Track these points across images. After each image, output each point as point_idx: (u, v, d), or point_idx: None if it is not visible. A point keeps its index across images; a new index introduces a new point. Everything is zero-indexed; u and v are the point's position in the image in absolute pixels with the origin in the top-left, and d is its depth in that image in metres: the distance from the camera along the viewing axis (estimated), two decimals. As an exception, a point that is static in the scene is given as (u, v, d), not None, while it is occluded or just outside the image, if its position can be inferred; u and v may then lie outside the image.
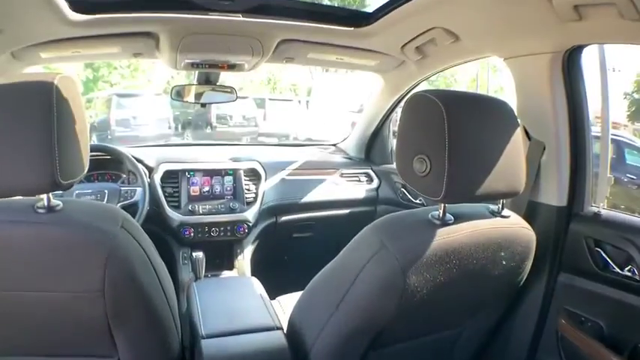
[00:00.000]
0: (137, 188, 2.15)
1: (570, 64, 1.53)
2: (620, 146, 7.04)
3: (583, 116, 1.56)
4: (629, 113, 14.37)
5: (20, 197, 0.98)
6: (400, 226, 1.16)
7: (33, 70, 2.07)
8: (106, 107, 11.86)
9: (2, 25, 1.56)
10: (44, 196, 0.96)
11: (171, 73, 15.02)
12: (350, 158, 2.88)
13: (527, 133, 1.59)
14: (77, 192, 2.02)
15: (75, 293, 0.97)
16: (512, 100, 1.65)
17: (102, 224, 0.98)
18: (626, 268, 1.39)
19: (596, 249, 1.46)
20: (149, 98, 12.57)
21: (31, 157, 0.89)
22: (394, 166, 1.26)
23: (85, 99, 13.63)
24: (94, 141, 11.10)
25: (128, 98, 12.26)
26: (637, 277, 1.36)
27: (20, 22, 1.58)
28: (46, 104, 0.89)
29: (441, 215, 1.14)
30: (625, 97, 14.45)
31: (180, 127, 13.15)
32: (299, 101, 15.16)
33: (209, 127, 12.86)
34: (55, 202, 0.97)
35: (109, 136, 11.21)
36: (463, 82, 21.49)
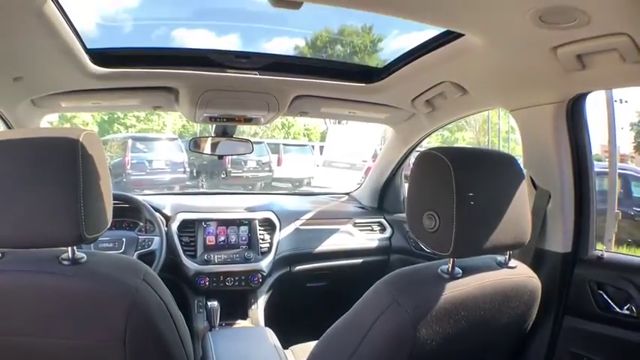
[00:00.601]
0: (155, 237, 2.18)
1: (574, 112, 1.57)
2: (627, 180, 7.06)
3: (587, 163, 1.60)
4: (635, 144, 14.27)
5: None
6: (411, 280, 1.19)
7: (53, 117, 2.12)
8: (121, 150, 12.02)
9: (22, 73, 1.62)
10: (69, 249, 0.98)
11: (187, 118, 15.22)
12: (363, 207, 2.90)
13: (533, 182, 1.63)
14: None
15: (96, 341, 0.99)
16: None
17: (124, 277, 1.01)
18: (625, 307, 1.44)
19: (599, 291, 1.50)
20: (165, 142, 12.74)
21: (58, 211, 0.92)
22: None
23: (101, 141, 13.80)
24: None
25: (144, 142, 12.46)
26: (635, 315, 1.41)
27: (41, 72, 1.65)
28: (71, 161, 0.92)
29: (449, 269, 1.17)
30: (632, 128, 14.38)
31: (195, 171, 13.25)
32: (312, 146, 15.28)
33: (224, 173, 12.97)
34: (79, 254, 1.00)
35: (124, 179, 11.32)
36: (474, 125, 21.60)
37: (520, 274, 1.28)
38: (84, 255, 1.01)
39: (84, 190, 0.93)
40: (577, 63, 1.31)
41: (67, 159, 0.92)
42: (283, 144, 14.45)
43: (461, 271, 1.17)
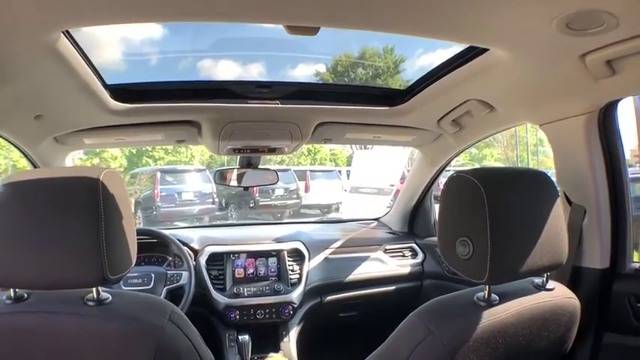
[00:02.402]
0: (183, 272, 2.18)
1: (606, 121, 1.53)
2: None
3: (621, 174, 1.55)
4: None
5: None
6: (446, 310, 1.14)
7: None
8: (150, 183, 12.27)
9: (42, 111, 1.64)
10: (94, 289, 0.97)
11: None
12: (393, 232, 2.86)
13: (567, 198, 1.58)
14: None
15: None
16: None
17: (150, 318, 0.99)
18: None
19: (638, 304, 1.45)
20: (193, 174, 12.94)
21: (81, 253, 0.91)
22: (438, 238, 1.27)
23: (130, 174, 14.15)
24: (140, 217, 11.40)
25: (172, 174, 12.69)
26: None
27: (60, 110, 1.66)
28: (92, 201, 0.91)
29: (485, 296, 1.12)
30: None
31: (223, 201, 13.38)
32: (339, 171, 15.27)
33: (252, 202, 13.05)
34: (104, 295, 0.98)
35: (154, 212, 11.53)
36: (502, 140, 21.42)
37: (558, 295, 1.22)
38: (109, 295, 0.99)
39: (106, 230, 0.91)
40: (607, 69, 1.27)
41: (88, 199, 0.91)
42: (310, 170, 14.51)
43: (497, 297, 1.13)
